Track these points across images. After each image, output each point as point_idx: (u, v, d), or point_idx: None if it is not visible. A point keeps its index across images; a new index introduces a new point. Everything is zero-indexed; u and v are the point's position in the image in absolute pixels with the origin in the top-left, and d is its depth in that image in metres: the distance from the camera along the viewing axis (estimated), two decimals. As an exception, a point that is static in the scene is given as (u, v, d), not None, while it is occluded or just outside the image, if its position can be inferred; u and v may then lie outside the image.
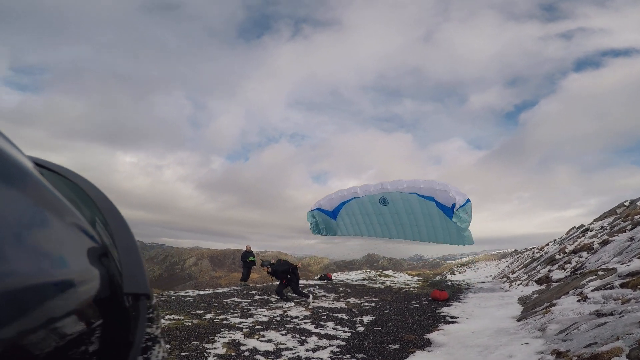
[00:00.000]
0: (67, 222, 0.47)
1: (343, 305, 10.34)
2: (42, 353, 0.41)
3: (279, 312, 9.18)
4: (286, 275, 10.04)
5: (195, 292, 12.53)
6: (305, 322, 8.11)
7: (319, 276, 20.15)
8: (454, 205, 10.11)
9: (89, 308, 0.44)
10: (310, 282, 17.27)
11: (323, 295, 12.01)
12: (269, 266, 10.13)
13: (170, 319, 7.77)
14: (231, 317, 8.34)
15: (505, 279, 19.62)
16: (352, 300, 11.23)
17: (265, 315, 8.69)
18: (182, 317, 7.99)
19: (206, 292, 12.98)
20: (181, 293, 12.75)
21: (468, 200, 10.08)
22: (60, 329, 0.41)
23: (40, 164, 0.58)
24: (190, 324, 7.47)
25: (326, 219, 13.47)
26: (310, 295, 10.53)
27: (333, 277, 20.38)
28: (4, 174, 0.41)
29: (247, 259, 15.01)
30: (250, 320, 8.17)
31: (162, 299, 10.87)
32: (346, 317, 8.68)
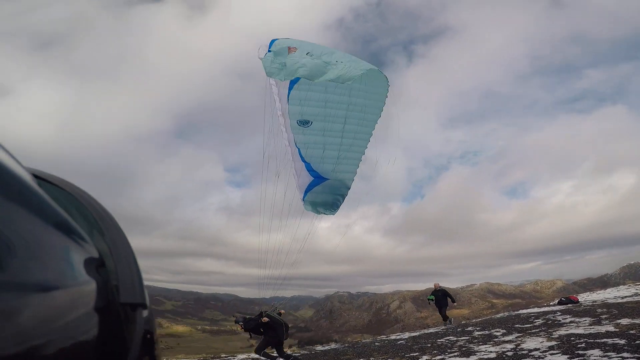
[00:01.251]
0: (64, 233, 0.47)
1: (610, 328, 7.19)
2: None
3: (509, 346, 7.16)
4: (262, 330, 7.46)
5: (407, 334, 11.85)
6: (552, 354, 5.90)
7: (558, 300, 15.62)
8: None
9: (86, 318, 0.45)
10: (546, 308, 13.45)
11: (571, 322, 8.87)
12: (241, 323, 7.78)
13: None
14: (449, 357, 7.08)
15: None
16: (623, 321, 7.75)
17: (491, 352, 6.91)
18: (395, 360, 7.33)
19: (417, 333, 12.08)
20: (393, 337, 12.28)
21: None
22: (57, 339, 0.40)
23: (37, 176, 0.58)
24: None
25: None
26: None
27: (580, 299, 15.33)
28: (1, 185, 0.40)
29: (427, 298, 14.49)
30: (474, 358, 6.66)
31: (376, 343, 10.72)
32: (622, 342, 5.85)
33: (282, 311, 8.19)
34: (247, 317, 7.84)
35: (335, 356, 9.50)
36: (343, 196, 6.64)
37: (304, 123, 5.80)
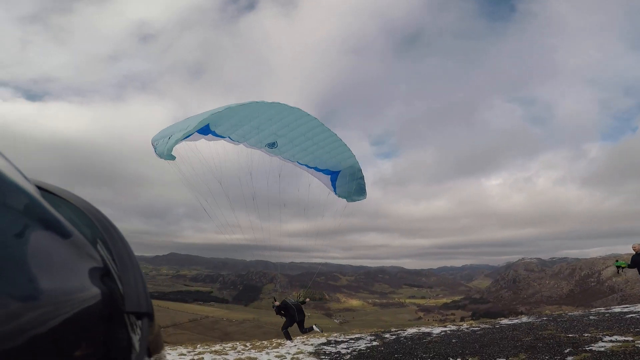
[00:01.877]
0: (68, 243, 0.48)
1: None
2: None
3: None
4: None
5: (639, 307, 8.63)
6: None
7: None
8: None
9: (92, 327, 0.46)
10: None
11: None
12: (274, 308, 10.10)
13: (611, 341, 5.25)
14: None
15: None
16: None
17: None
18: (630, 338, 5.22)
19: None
20: (616, 309, 9.25)
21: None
22: (63, 349, 0.41)
23: (41, 187, 0.59)
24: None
25: None
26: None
27: None
28: (5, 196, 0.41)
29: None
30: None
31: (591, 317, 8.27)
32: None
33: (308, 299, 10.84)
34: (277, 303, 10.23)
35: (529, 331, 7.74)
36: (362, 178, 7.35)
37: (271, 145, 6.55)
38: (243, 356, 8.50)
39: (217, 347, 10.78)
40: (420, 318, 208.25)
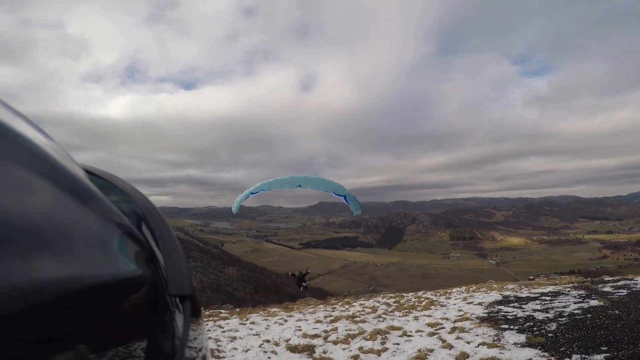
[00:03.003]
0: (116, 227, 0.50)
1: None
2: (92, 354, 0.43)
3: None
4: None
5: None
6: None
7: None
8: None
9: (138, 310, 0.47)
10: None
11: None
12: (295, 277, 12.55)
13: None
14: None
15: None
16: None
17: None
18: None
19: None
20: None
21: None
22: (111, 330, 0.43)
23: (88, 171, 0.60)
24: None
25: None
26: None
27: None
28: (60, 182, 0.43)
29: None
30: None
31: None
32: None
33: (309, 270, 13.08)
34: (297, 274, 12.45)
35: None
36: (355, 198, 9.77)
37: (298, 186, 9.01)
38: (383, 324, 6.14)
39: (357, 307, 8.77)
40: (605, 257, 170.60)
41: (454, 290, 9.89)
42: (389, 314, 7.14)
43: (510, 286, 9.00)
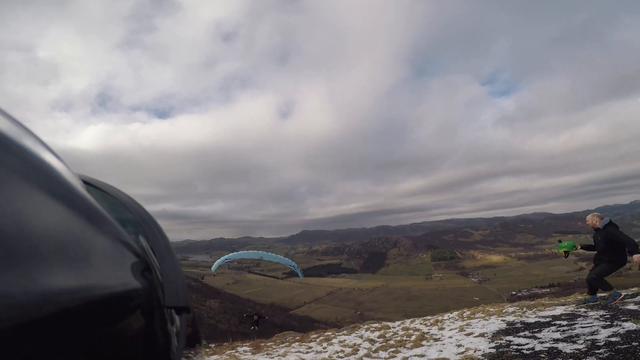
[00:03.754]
0: (112, 237, 0.49)
1: None
2: None
3: None
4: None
5: None
6: None
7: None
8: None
9: (133, 321, 0.47)
10: None
11: None
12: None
13: None
14: None
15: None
16: None
17: None
18: None
19: None
20: None
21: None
22: (107, 342, 0.42)
23: (85, 181, 0.59)
24: None
25: None
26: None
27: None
28: (53, 190, 0.43)
29: None
30: None
31: None
32: None
33: (265, 316, 14.37)
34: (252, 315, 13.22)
35: None
36: (298, 267, 13.01)
37: (260, 257, 12.09)
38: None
39: (336, 344, 7.19)
40: (582, 269, 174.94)
41: (446, 317, 8.48)
42: (373, 355, 5.61)
43: (511, 309, 7.70)
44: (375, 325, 9.86)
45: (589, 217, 6.47)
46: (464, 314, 8.39)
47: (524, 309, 7.42)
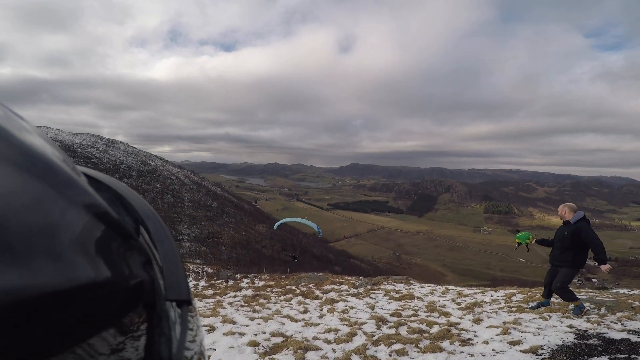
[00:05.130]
0: (113, 230, 0.49)
1: None
2: (89, 358, 0.42)
3: None
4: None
5: None
6: None
7: None
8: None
9: (134, 314, 0.47)
10: None
11: None
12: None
13: None
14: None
15: None
16: None
17: None
18: None
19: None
20: None
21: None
22: (106, 334, 0.42)
23: (85, 174, 0.59)
24: None
25: None
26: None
27: None
28: (59, 187, 0.43)
29: None
30: None
31: None
32: None
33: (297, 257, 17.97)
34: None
35: None
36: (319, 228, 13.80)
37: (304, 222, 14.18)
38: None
39: (335, 317, 5.96)
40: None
41: (488, 298, 6.72)
42: (369, 348, 4.15)
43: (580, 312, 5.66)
44: (400, 286, 8.51)
45: (560, 207, 5.65)
46: (513, 299, 6.55)
47: (602, 310, 5.34)
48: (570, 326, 4.64)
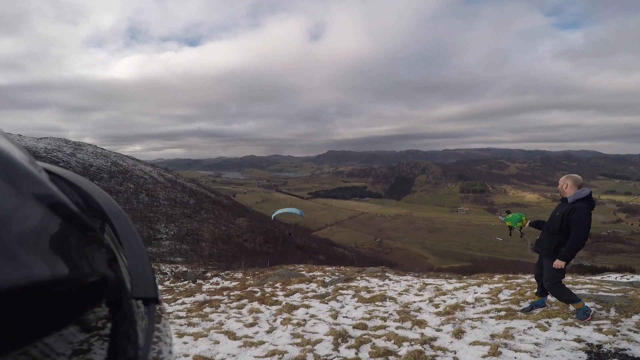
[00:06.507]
0: (76, 227, 0.48)
1: None
2: (50, 357, 0.41)
3: None
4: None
5: None
6: None
7: None
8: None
9: (99, 311, 0.45)
10: None
11: None
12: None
13: None
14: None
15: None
16: None
17: None
18: None
19: None
20: None
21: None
22: (70, 332, 0.41)
23: (48, 170, 0.58)
24: None
25: None
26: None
27: None
28: (14, 180, 0.42)
29: None
30: None
31: None
32: None
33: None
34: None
35: None
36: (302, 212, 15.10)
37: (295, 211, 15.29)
38: None
39: (325, 313, 4.75)
40: (620, 221, 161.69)
41: (470, 297, 5.66)
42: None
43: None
44: (373, 282, 7.44)
45: (562, 179, 4.44)
46: (500, 297, 5.51)
47: (610, 312, 4.35)
48: (579, 339, 3.55)
